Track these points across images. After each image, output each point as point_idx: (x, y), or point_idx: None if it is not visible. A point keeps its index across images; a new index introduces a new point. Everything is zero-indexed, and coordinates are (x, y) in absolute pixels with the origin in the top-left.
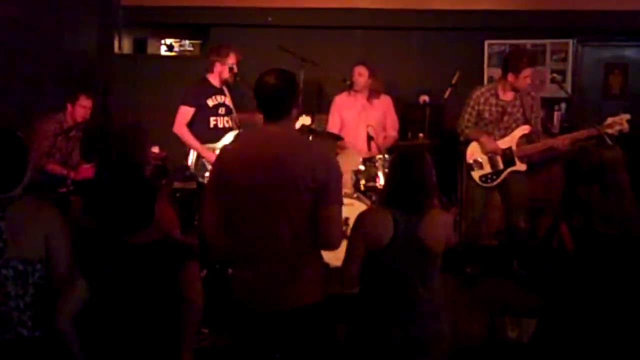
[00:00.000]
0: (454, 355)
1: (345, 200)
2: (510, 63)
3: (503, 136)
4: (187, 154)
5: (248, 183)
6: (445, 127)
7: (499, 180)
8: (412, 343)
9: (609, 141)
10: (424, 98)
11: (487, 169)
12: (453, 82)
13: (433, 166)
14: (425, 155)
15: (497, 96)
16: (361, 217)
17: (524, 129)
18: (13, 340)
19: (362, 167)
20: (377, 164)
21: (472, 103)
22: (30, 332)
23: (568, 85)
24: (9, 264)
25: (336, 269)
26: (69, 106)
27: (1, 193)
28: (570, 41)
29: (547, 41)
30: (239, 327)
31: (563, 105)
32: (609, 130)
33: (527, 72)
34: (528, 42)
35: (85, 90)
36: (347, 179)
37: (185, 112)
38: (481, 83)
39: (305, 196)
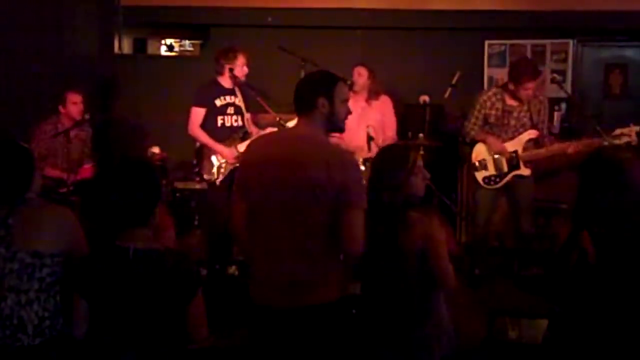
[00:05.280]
0: (453, 356)
1: None
2: (513, 74)
3: (510, 139)
4: (198, 154)
5: (267, 182)
6: (445, 127)
7: (502, 183)
8: None
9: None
10: (424, 98)
11: (492, 170)
12: (453, 82)
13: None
14: (389, 154)
15: (503, 100)
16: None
17: (531, 134)
18: (14, 350)
19: (362, 168)
20: None
21: (478, 106)
22: (30, 340)
23: (568, 86)
24: (15, 257)
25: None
26: (60, 108)
27: (10, 200)
28: (571, 41)
29: (547, 41)
30: (255, 324)
31: (563, 106)
32: (616, 142)
33: (529, 85)
34: (528, 43)
35: (71, 88)
36: None
37: (197, 113)
38: (481, 83)
39: (321, 197)
